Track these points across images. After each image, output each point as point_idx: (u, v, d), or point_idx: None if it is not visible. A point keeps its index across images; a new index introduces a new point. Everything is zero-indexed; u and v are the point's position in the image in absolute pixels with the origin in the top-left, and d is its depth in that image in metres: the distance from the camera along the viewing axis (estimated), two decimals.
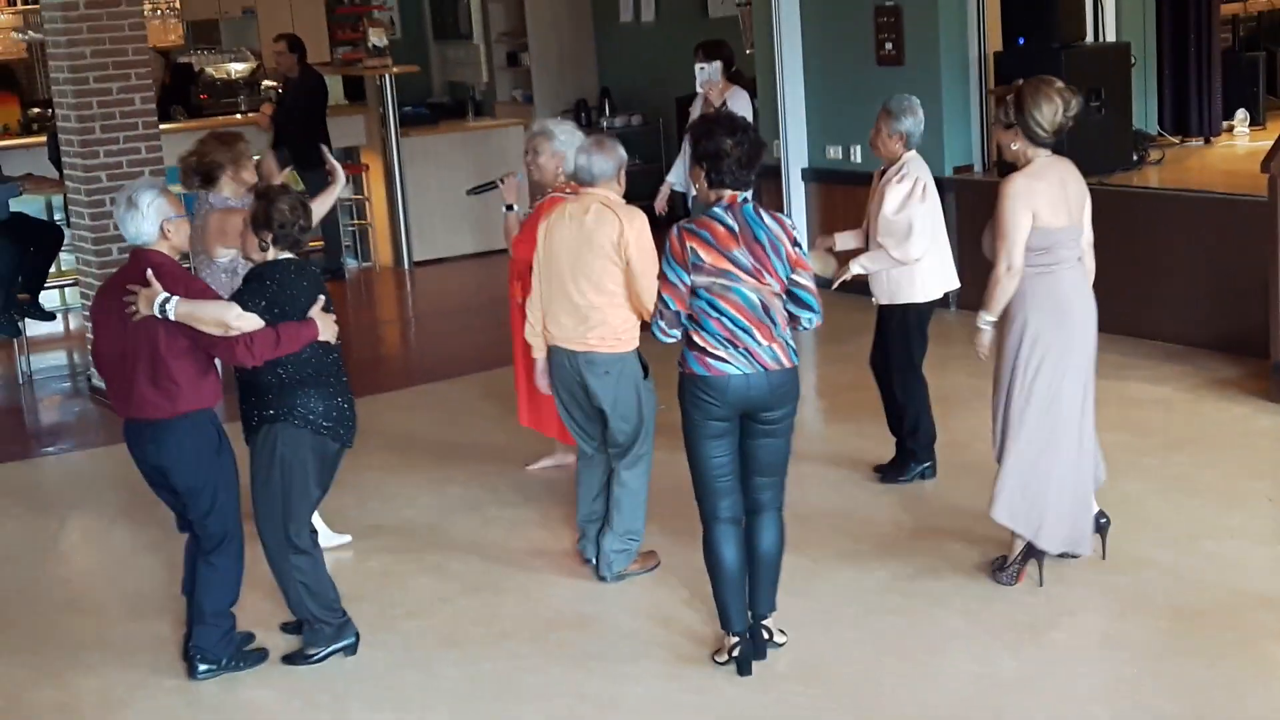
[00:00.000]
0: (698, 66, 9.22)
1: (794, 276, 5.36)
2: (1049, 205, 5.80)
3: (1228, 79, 11.34)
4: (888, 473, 7.36)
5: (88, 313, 8.25)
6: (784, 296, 5.38)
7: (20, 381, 10.27)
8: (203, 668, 5.74)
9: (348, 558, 6.89)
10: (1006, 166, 9.67)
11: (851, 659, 5.65)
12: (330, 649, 5.85)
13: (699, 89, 9.29)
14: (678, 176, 9.56)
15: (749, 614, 5.59)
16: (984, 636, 5.74)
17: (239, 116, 13.93)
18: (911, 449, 7.32)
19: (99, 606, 6.61)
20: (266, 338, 5.44)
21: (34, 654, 6.13)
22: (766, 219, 5.34)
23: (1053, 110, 5.78)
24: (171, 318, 5.37)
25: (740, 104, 9.31)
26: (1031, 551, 6.01)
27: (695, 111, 9.48)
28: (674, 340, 5.42)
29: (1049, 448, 5.89)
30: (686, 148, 9.21)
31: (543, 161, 6.95)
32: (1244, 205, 8.87)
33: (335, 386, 5.70)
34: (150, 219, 5.48)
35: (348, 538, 6.99)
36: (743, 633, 5.55)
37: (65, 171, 9.88)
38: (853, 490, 7.28)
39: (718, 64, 9.19)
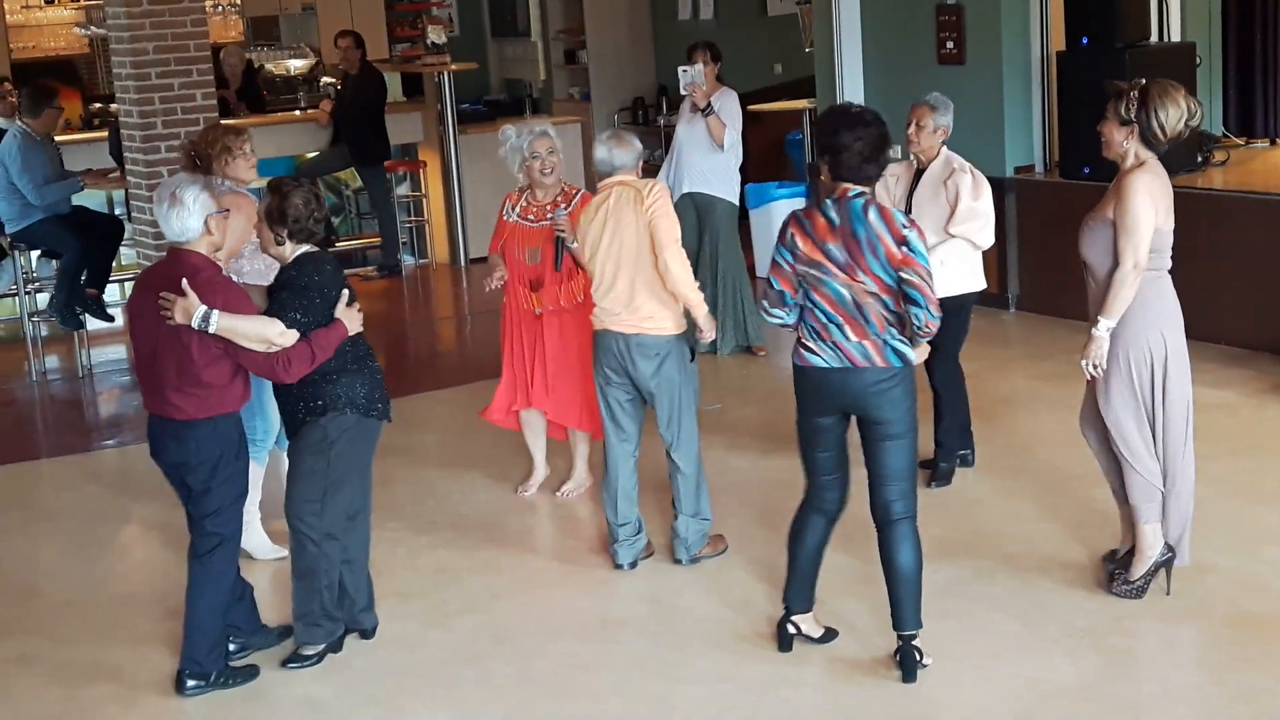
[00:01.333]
0: (681, 70, 9.21)
1: (902, 274, 5.25)
2: (1166, 207, 5.70)
3: None
4: (933, 478, 7.28)
5: None
6: (884, 297, 5.28)
7: (80, 375, 10.35)
8: (191, 684, 5.62)
9: (403, 554, 6.89)
10: (1070, 168, 9.64)
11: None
12: (325, 647, 5.82)
13: (683, 91, 9.25)
14: (664, 175, 9.49)
15: (807, 604, 5.70)
16: (1042, 642, 5.68)
17: (298, 113, 13.98)
18: (947, 446, 7.28)
19: (160, 597, 6.61)
20: (302, 355, 5.44)
21: (94, 646, 6.17)
22: (871, 216, 5.26)
23: (1178, 115, 5.64)
24: (212, 331, 5.32)
25: (729, 105, 9.33)
26: (1165, 561, 5.91)
27: (683, 114, 9.51)
28: (778, 321, 5.49)
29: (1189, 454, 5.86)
30: (674, 151, 9.46)
31: (555, 161, 7.08)
32: None
33: (370, 367, 5.77)
34: (196, 214, 5.39)
35: (284, 551, 6.59)
36: (788, 608, 5.68)
37: (127, 166, 9.95)
38: None
39: (699, 66, 9.17)
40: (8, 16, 16.10)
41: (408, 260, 13.46)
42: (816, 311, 5.35)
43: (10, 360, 10.96)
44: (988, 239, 7.08)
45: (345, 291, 5.63)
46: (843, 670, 5.57)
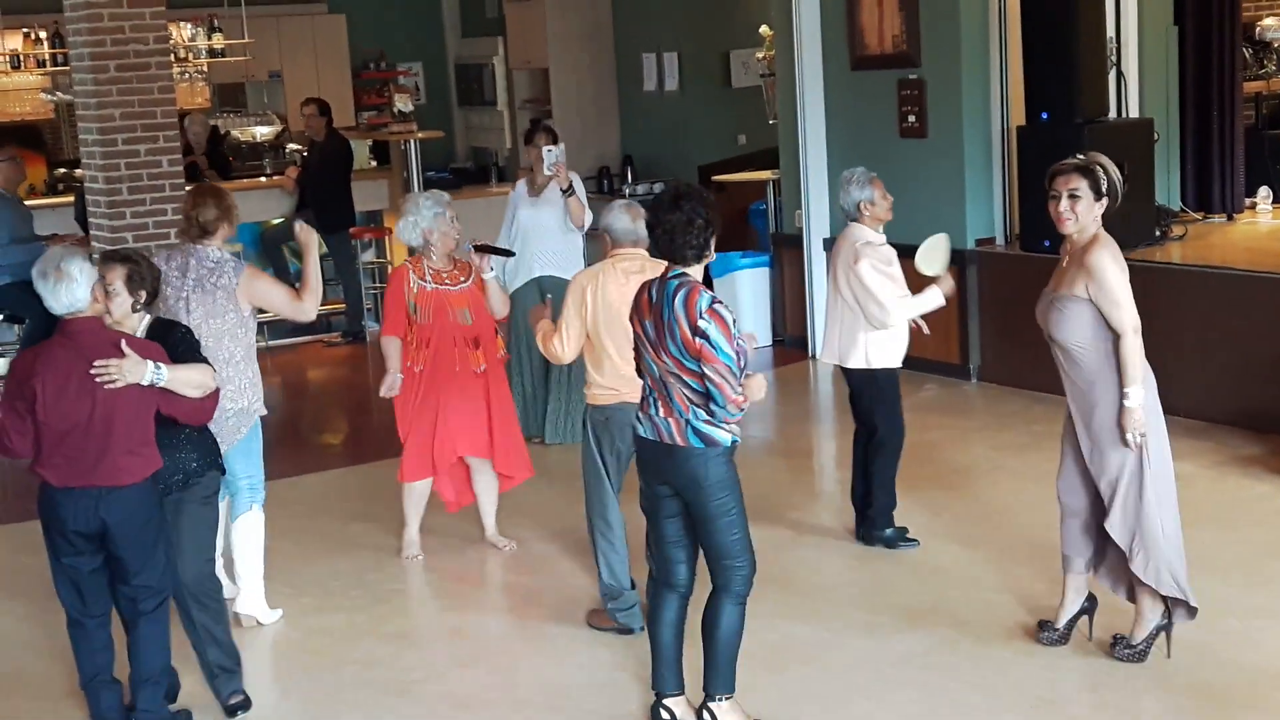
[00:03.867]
0: (545, 149, 9.19)
1: (702, 366, 5.20)
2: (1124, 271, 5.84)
3: (1250, 156, 11.35)
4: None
5: None
6: (685, 378, 5.25)
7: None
8: None
9: (363, 621, 6.87)
10: (1031, 240, 9.75)
11: None
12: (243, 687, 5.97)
13: (547, 171, 9.18)
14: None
15: (677, 687, 5.64)
16: (1003, 712, 5.70)
17: (264, 179, 14.02)
18: (882, 504, 7.37)
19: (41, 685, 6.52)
20: (214, 396, 5.71)
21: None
22: (677, 299, 5.24)
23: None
24: (161, 384, 5.44)
25: (580, 186, 9.46)
26: (1165, 625, 5.96)
27: (521, 197, 9.47)
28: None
29: (1170, 509, 5.90)
30: (514, 235, 9.33)
31: (455, 231, 7.41)
32: (1266, 283, 8.87)
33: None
34: (83, 284, 5.36)
35: (280, 612, 6.87)
36: (658, 693, 5.62)
37: (91, 232, 9.95)
38: (873, 561, 7.26)
39: (562, 147, 9.26)
40: None
41: (372, 326, 13.45)
42: (644, 382, 5.47)
43: None
44: (884, 321, 7.11)
45: None
46: None
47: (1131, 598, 6.03)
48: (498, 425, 7.50)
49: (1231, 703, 5.65)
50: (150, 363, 5.39)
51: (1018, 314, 8.50)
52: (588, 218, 9.28)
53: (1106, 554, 6.07)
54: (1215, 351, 9.06)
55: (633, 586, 6.51)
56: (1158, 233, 10.15)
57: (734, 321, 5.21)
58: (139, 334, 5.67)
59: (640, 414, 5.46)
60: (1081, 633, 6.13)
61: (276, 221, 13.23)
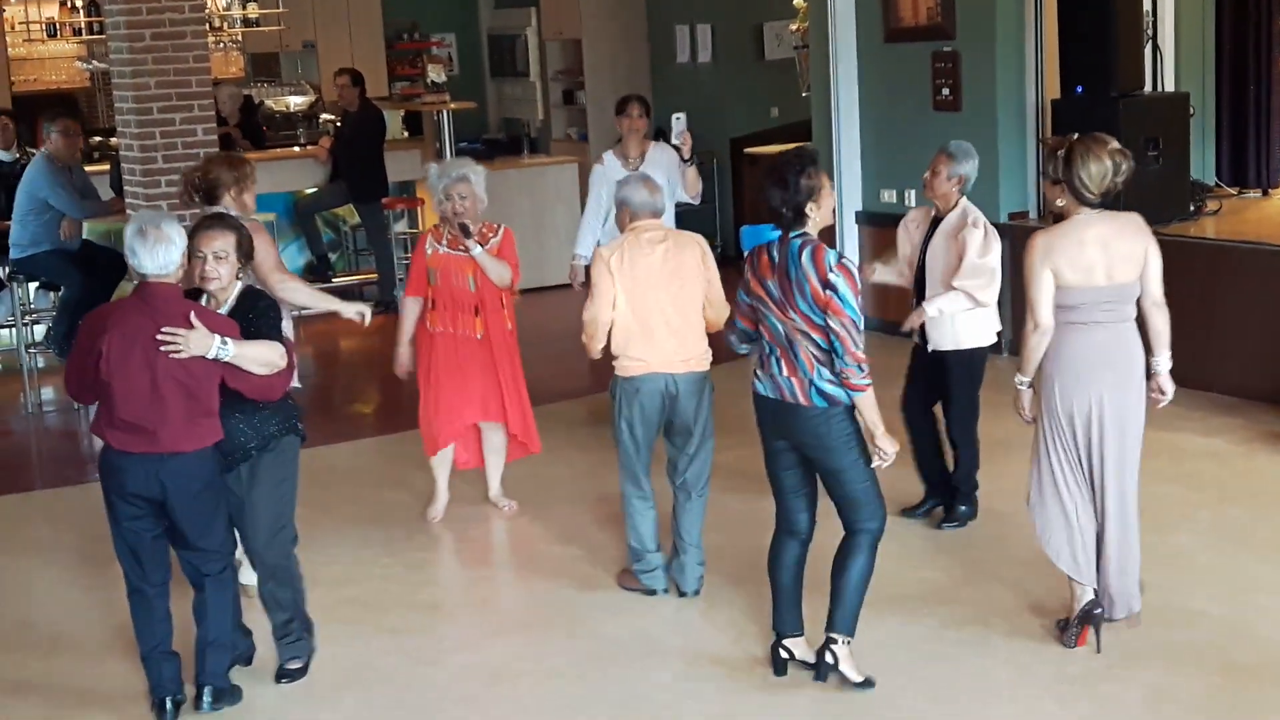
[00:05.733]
0: (675, 116, 8.85)
1: (828, 319, 5.42)
2: (1069, 264, 5.69)
3: None
4: (924, 515, 7.42)
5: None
6: (814, 335, 5.44)
7: (75, 407, 10.35)
8: (211, 702, 5.68)
9: (396, 590, 6.91)
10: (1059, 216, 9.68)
11: (898, 706, 5.61)
12: (311, 656, 6.00)
13: (675, 140, 8.87)
14: (585, 249, 8.84)
15: (796, 628, 5.83)
16: (1033, 688, 5.71)
17: (297, 149, 14.05)
18: (964, 492, 7.32)
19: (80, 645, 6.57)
20: (285, 372, 5.63)
21: (88, 676, 6.18)
22: (804, 257, 5.44)
23: (1101, 172, 5.64)
24: (227, 359, 5.40)
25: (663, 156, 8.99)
26: (1089, 614, 5.91)
27: (610, 169, 8.80)
28: (737, 350, 5.86)
29: (1060, 496, 5.91)
30: (605, 208, 8.78)
31: (469, 205, 7.35)
32: None
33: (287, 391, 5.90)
34: (179, 247, 5.41)
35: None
36: (778, 632, 5.81)
37: (127, 200, 9.99)
38: (904, 536, 7.25)
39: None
40: (9, 49, 16.16)
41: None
42: (763, 342, 5.62)
43: (6, 391, 10.97)
44: (989, 297, 7.01)
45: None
46: (836, 697, 5.59)
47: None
48: (509, 393, 7.58)
49: (1265, 680, 5.65)
50: (217, 337, 5.37)
51: None
52: (700, 187, 9.10)
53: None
54: (1248, 327, 9.03)
55: (658, 549, 6.63)
56: (1192, 207, 10.10)
57: (860, 280, 5.44)
58: (232, 300, 5.65)
59: (760, 372, 5.64)
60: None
61: (309, 191, 13.26)
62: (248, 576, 6.34)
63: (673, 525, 6.65)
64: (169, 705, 5.63)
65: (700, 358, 6.51)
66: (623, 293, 6.44)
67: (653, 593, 6.63)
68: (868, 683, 5.66)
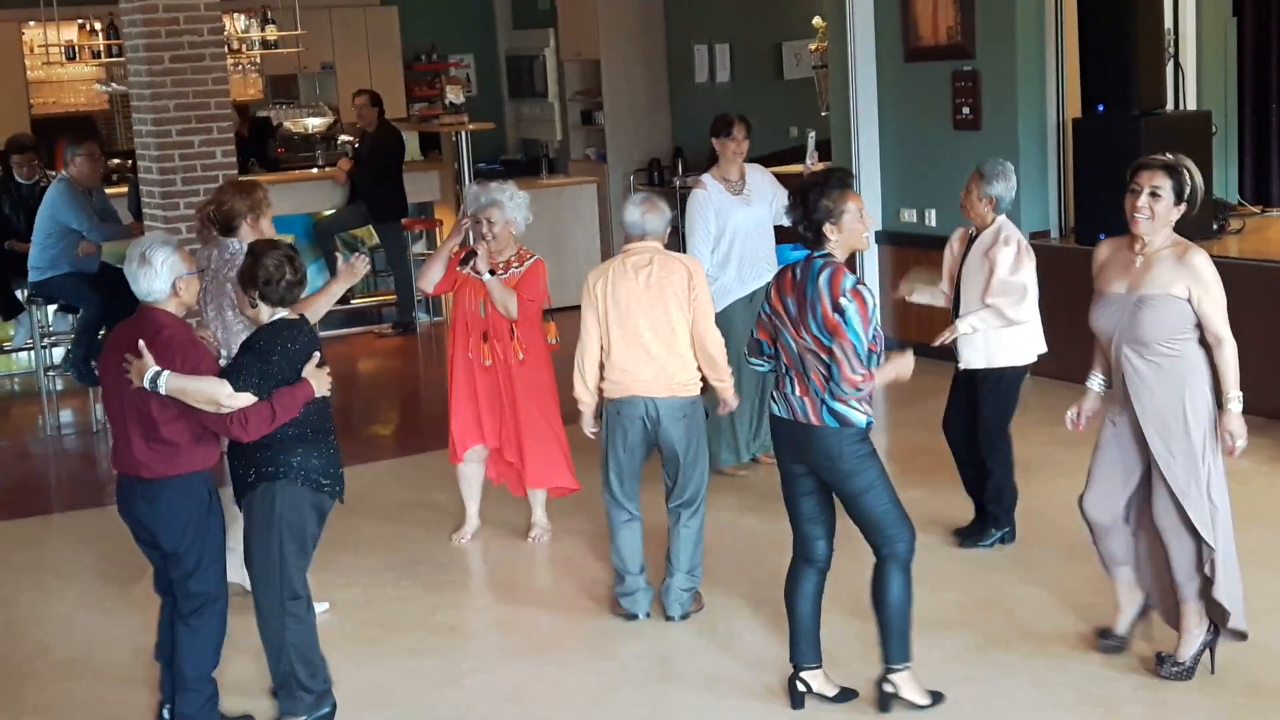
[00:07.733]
0: (810, 133, 8.80)
1: (832, 341, 5.35)
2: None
3: None
4: (967, 537, 7.32)
5: None
6: (824, 356, 5.38)
7: (94, 430, 10.37)
8: None
9: (414, 612, 6.89)
10: (1086, 233, 9.65)
11: None
12: (308, 718, 5.67)
13: (808, 164, 8.77)
14: (709, 265, 8.52)
15: (814, 659, 5.75)
16: (1056, 710, 5.66)
17: (315, 171, 14.07)
18: (994, 514, 7.26)
19: (100, 669, 6.55)
20: (261, 413, 5.35)
21: (105, 701, 6.16)
22: (822, 277, 5.40)
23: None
24: (162, 392, 5.28)
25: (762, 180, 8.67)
26: (1210, 641, 5.83)
27: (731, 199, 8.32)
28: (756, 368, 5.76)
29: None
30: (728, 241, 8.32)
31: (499, 231, 7.29)
32: None
33: (329, 441, 5.67)
34: (164, 276, 5.39)
35: (325, 605, 6.70)
36: (795, 664, 5.71)
37: (146, 223, 10.01)
38: (926, 556, 7.16)
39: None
40: (29, 72, 16.22)
41: (422, 317, 13.50)
42: (779, 362, 5.56)
43: (25, 414, 10.99)
44: (1021, 314, 6.97)
45: (315, 354, 5.55)
46: None
47: (1170, 614, 5.92)
48: (508, 423, 7.48)
49: None
50: (153, 369, 5.26)
51: (1071, 307, 8.41)
52: None
53: (1140, 563, 5.98)
54: (1272, 346, 8.96)
55: (640, 572, 6.60)
56: (1215, 226, 10.05)
57: (875, 308, 5.36)
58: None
59: (775, 393, 5.60)
60: (1139, 637, 6.03)
61: (328, 212, 13.27)
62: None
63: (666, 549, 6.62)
64: (164, 714, 5.70)
65: (686, 384, 6.45)
66: (604, 316, 6.46)
67: (633, 617, 6.58)
68: (937, 699, 5.62)
